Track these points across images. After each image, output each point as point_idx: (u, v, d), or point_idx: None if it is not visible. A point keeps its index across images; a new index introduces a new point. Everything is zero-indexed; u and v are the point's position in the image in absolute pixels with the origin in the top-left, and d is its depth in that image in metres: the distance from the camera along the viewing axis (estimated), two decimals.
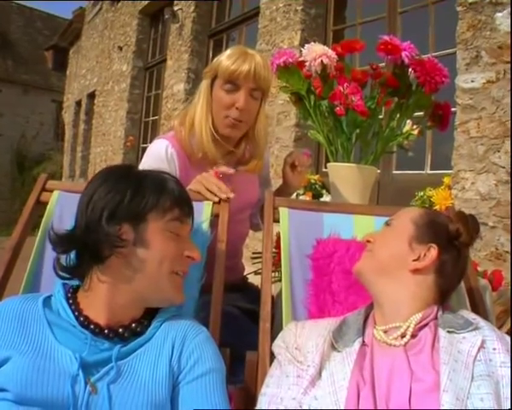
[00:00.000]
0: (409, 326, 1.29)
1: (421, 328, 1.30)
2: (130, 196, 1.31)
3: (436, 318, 1.32)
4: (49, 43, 24.32)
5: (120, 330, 1.30)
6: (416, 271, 1.35)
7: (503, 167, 3.44)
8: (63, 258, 1.37)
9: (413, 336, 1.28)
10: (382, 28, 4.92)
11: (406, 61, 1.93)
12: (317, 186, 5.09)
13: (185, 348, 1.30)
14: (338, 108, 1.87)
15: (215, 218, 1.77)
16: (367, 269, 1.42)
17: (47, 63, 25.06)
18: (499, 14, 3.66)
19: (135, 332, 1.32)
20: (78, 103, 15.21)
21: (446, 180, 3.74)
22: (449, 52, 4.10)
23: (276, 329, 1.58)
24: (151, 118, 10.24)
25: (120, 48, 11.47)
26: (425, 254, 1.36)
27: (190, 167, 2.06)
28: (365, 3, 5.39)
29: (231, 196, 1.83)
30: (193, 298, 1.60)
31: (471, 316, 1.35)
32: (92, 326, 1.28)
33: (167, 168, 1.96)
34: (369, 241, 1.47)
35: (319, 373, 1.26)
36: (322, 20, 5.72)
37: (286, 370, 1.32)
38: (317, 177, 5.24)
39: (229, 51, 2.05)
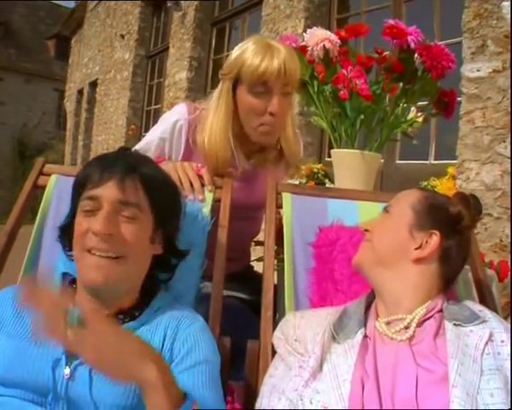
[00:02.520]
0: (413, 320, 1.25)
1: (425, 320, 1.25)
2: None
3: (441, 310, 1.27)
4: (52, 32, 24.24)
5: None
6: (418, 260, 1.30)
7: (509, 158, 3.39)
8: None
9: (417, 326, 1.24)
10: (387, 17, 4.83)
11: (412, 45, 1.89)
12: (319, 175, 5.05)
13: (178, 336, 1.25)
14: (342, 92, 1.83)
15: (217, 203, 1.73)
16: (366, 261, 1.37)
17: (49, 52, 24.99)
18: (506, 3, 3.61)
19: (122, 320, 1.27)
20: (80, 92, 15.15)
21: (451, 170, 3.70)
22: (454, 41, 4.03)
23: (278, 319, 1.53)
24: (153, 106, 10.18)
25: (122, 36, 11.40)
26: (427, 242, 1.31)
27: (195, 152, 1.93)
28: None
29: (200, 198, 1.71)
30: (194, 286, 1.55)
31: (477, 307, 1.30)
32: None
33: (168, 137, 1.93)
34: (367, 230, 1.41)
35: (320, 365, 1.21)
36: (327, 9, 5.66)
37: (288, 362, 1.28)
38: (319, 166, 5.20)
39: (251, 47, 1.81)
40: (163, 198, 1.36)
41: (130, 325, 1.25)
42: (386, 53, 1.99)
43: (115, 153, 1.40)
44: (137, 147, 1.91)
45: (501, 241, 3.36)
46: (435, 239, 1.30)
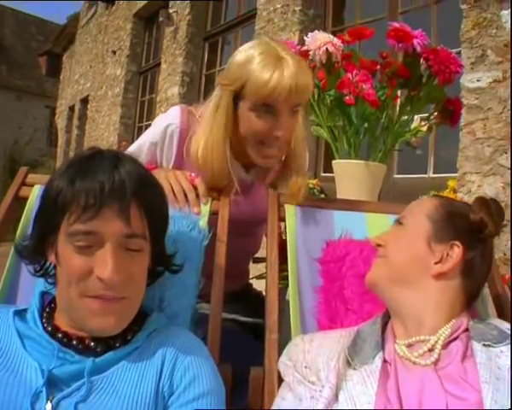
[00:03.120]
0: (437, 341, 1.12)
1: (450, 341, 1.13)
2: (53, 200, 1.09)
3: (467, 329, 1.16)
4: (43, 48, 24.26)
5: (92, 343, 1.10)
6: (439, 275, 1.18)
7: (510, 169, 3.32)
8: None
9: (442, 348, 1.12)
10: (382, 29, 4.80)
11: (418, 49, 1.80)
12: (315, 191, 4.96)
13: (178, 364, 1.11)
14: (347, 98, 1.73)
15: (214, 216, 1.60)
16: (382, 279, 1.24)
17: (41, 69, 25.02)
18: (505, 12, 3.55)
19: (111, 347, 1.11)
20: (72, 109, 15.10)
21: (451, 183, 3.62)
22: (453, 51, 3.98)
23: (282, 342, 1.38)
24: (145, 123, 10.11)
25: (114, 52, 11.37)
26: (448, 255, 1.18)
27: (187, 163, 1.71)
28: (365, 4, 5.29)
29: (195, 211, 1.55)
30: (189, 306, 1.40)
31: (505, 326, 1.18)
32: (60, 335, 1.10)
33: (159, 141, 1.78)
34: (379, 245, 1.29)
35: (336, 395, 1.09)
36: (321, 21, 5.61)
37: (297, 392, 1.15)
38: (315, 181, 5.11)
39: (258, 57, 1.54)
40: (162, 222, 1.21)
41: (121, 351, 1.11)
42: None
43: (107, 168, 1.09)
44: (129, 150, 1.80)
45: (504, 254, 3.27)
46: (457, 251, 1.18)
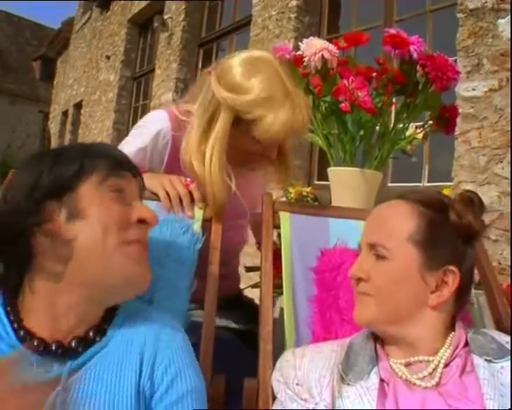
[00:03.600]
0: (438, 364, 1.08)
1: (451, 360, 1.09)
2: (48, 168, 1.04)
3: (466, 342, 1.12)
4: (37, 53, 24.21)
5: (73, 343, 1.02)
6: (437, 305, 1.11)
7: (506, 178, 3.31)
8: None
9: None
10: (378, 37, 4.78)
11: (415, 55, 1.77)
12: (309, 199, 4.94)
13: (158, 361, 1.05)
14: (343, 105, 1.70)
15: (207, 222, 1.57)
16: (373, 320, 1.14)
17: (34, 73, 24.94)
18: (502, 21, 3.55)
19: (92, 342, 1.04)
20: (65, 113, 15.07)
21: (446, 192, 3.60)
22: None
23: (277, 353, 1.33)
24: None
25: (108, 57, 11.36)
26: (443, 281, 1.11)
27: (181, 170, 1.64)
28: (360, 12, 5.28)
29: (189, 214, 1.53)
30: (181, 311, 1.36)
31: (503, 339, 1.13)
32: (36, 343, 1.00)
33: (150, 145, 1.70)
34: (360, 278, 1.16)
35: None
36: (316, 29, 5.61)
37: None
38: (308, 189, 5.09)
39: (266, 90, 1.48)
40: None
41: (99, 346, 1.04)
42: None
43: (114, 152, 1.17)
44: None
45: (499, 264, 3.25)
46: (452, 277, 1.11)
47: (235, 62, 1.57)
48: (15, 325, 1.02)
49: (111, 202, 1.05)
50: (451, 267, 1.11)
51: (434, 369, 1.07)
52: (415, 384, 1.06)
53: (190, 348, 1.13)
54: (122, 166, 1.11)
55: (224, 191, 1.57)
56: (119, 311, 1.11)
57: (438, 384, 1.05)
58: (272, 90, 1.49)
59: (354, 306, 1.20)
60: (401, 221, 1.14)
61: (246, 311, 1.93)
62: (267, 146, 1.58)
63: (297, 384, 1.11)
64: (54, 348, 1.01)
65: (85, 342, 1.04)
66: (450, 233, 1.13)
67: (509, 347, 1.10)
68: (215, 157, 1.55)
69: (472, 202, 1.16)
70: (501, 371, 1.05)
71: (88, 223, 1.02)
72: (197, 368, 1.11)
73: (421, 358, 1.09)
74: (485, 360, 1.07)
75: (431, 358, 1.09)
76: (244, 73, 1.53)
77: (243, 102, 1.49)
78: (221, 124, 1.54)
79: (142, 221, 1.09)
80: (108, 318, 1.09)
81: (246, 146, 1.59)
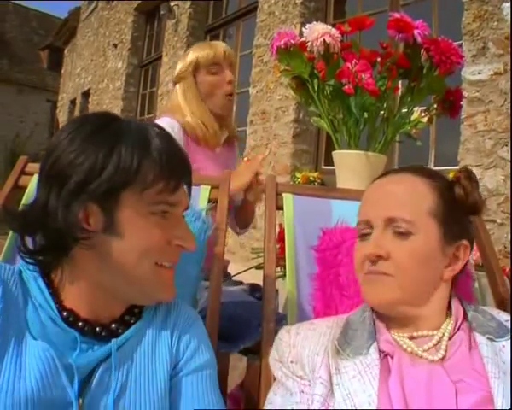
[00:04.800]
0: (442, 337, 1.07)
1: (454, 333, 1.09)
2: (102, 162, 0.96)
3: (464, 316, 1.12)
4: (45, 42, 24.19)
5: (113, 325, 1.06)
6: (448, 279, 1.12)
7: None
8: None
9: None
10: (384, 22, 4.75)
11: (419, 39, 1.78)
12: (316, 183, 4.96)
13: (183, 335, 1.12)
14: (347, 87, 1.72)
15: (213, 204, 1.61)
16: (394, 302, 1.09)
17: (42, 63, 24.92)
18: (506, 5, 3.55)
19: (129, 325, 1.09)
20: (73, 102, 15.09)
21: (452, 175, 3.61)
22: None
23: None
24: (146, 116, 10.12)
25: (115, 45, 11.36)
26: (454, 255, 1.11)
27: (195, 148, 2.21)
28: None
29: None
30: (190, 296, 1.43)
31: (503, 317, 1.13)
32: (81, 324, 1.02)
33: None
34: (380, 256, 1.09)
35: (331, 391, 1.03)
36: (322, 14, 5.61)
37: (287, 386, 1.10)
38: (316, 174, 5.12)
39: (196, 48, 2.31)
40: None
41: (136, 327, 1.08)
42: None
43: (162, 138, 1.06)
44: None
45: (505, 247, 3.27)
46: (464, 251, 1.11)
47: None
48: (57, 304, 1.02)
49: (151, 226, 1.01)
50: (464, 242, 1.12)
51: (439, 341, 1.07)
52: (421, 358, 1.05)
53: (206, 332, 1.20)
54: (177, 174, 1.04)
55: (213, 122, 2.26)
56: None
57: (444, 358, 1.05)
58: (199, 45, 2.34)
59: (362, 286, 1.14)
60: (420, 195, 1.11)
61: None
62: (220, 75, 2.27)
63: (291, 362, 1.11)
64: (98, 330, 1.04)
65: (124, 324, 1.08)
66: (458, 208, 1.13)
67: (508, 325, 1.10)
68: (198, 104, 2.26)
69: (474, 178, 1.16)
70: (503, 349, 1.05)
71: (125, 244, 1.00)
72: (211, 346, 1.18)
73: (424, 332, 1.09)
74: (488, 338, 1.06)
75: (434, 332, 1.09)
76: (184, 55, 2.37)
77: (189, 59, 2.28)
78: (188, 87, 2.28)
79: (180, 246, 1.07)
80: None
81: (211, 83, 2.26)
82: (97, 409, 0.98)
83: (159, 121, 2.03)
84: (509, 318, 1.13)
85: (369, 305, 1.14)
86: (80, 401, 0.96)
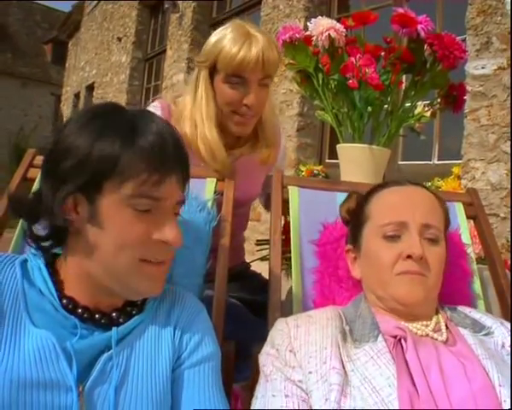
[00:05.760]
0: (438, 323, 1.19)
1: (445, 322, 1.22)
2: (87, 150, 0.98)
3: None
4: (48, 36, 24.20)
5: (114, 314, 1.09)
6: None
7: None
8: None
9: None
10: (388, 16, 4.76)
11: (422, 34, 1.80)
12: (320, 177, 4.98)
13: (187, 327, 1.14)
14: (351, 81, 1.74)
15: (219, 196, 1.63)
16: (425, 299, 1.19)
17: (46, 56, 24.94)
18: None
19: (130, 315, 1.11)
20: (77, 96, 15.10)
21: (456, 170, 3.64)
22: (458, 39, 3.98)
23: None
24: None
25: (120, 39, 11.35)
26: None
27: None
28: None
29: None
30: (197, 285, 1.43)
31: (474, 315, 1.25)
32: (80, 310, 1.04)
33: None
34: (422, 258, 1.19)
35: (346, 379, 1.05)
36: (326, 8, 5.61)
37: (274, 386, 1.09)
38: (320, 167, 5.14)
39: (229, 34, 1.72)
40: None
41: (138, 318, 1.10)
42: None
43: (154, 128, 1.04)
44: None
45: (508, 241, 3.28)
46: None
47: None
48: (58, 292, 1.05)
49: (134, 220, 1.01)
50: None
51: (438, 329, 1.18)
52: (432, 337, 1.15)
53: (211, 324, 1.22)
54: (162, 168, 1.01)
55: (220, 146, 1.75)
56: None
57: (446, 341, 1.15)
58: (234, 32, 1.73)
59: (395, 285, 1.20)
60: (439, 209, 1.28)
61: (251, 282, 2.04)
62: (242, 92, 1.75)
63: (290, 351, 1.12)
64: (97, 317, 1.07)
65: (125, 314, 1.10)
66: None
67: (481, 321, 1.22)
68: (205, 114, 1.76)
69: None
70: (485, 339, 1.16)
71: (105, 235, 1.01)
72: (215, 338, 1.19)
73: (424, 322, 1.19)
74: (469, 330, 1.18)
75: (428, 322, 1.19)
76: (216, 32, 1.79)
77: (211, 46, 1.75)
78: (201, 80, 1.79)
79: (163, 242, 1.04)
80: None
81: (224, 96, 1.76)
82: (98, 397, 1.00)
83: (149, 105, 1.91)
84: (479, 316, 1.25)
85: (405, 302, 1.19)
86: (81, 387, 0.99)
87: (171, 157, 1.04)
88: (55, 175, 1.01)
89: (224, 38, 1.72)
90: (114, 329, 1.06)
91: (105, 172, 0.98)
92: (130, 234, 1.01)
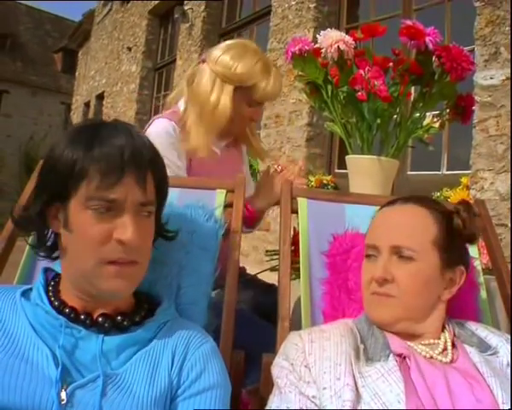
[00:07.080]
0: (446, 343, 1.20)
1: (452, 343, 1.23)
2: (57, 158, 1.09)
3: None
4: (59, 45, 24.37)
5: (100, 319, 1.12)
6: (445, 299, 1.26)
7: None
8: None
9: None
10: (397, 26, 4.76)
11: (430, 46, 1.82)
12: (329, 187, 4.99)
13: (187, 360, 1.13)
14: (359, 93, 1.75)
15: (228, 208, 1.64)
16: (396, 320, 1.21)
17: (56, 65, 25.10)
18: None
19: (119, 326, 1.13)
20: (87, 105, 15.20)
21: (464, 180, 3.64)
22: (466, 49, 3.98)
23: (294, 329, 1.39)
24: None
25: (129, 49, 11.43)
26: (451, 279, 1.25)
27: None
28: (379, 1, 5.29)
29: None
30: (206, 293, 1.43)
31: (480, 333, 1.26)
32: (67, 310, 1.11)
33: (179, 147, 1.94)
34: (386, 280, 1.21)
35: (357, 394, 1.07)
36: (335, 18, 5.63)
37: (288, 398, 1.10)
38: (329, 177, 5.15)
39: (259, 65, 1.96)
40: (166, 189, 1.23)
41: (132, 335, 1.12)
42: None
43: (123, 134, 1.11)
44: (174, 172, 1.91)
45: None
46: (460, 275, 1.27)
47: (224, 48, 2.02)
48: (52, 298, 1.14)
49: (94, 222, 1.06)
50: (461, 267, 1.26)
51: (444, 348, 1.19)
52: (436, 359, 1.16)
53: (217, 351, 1.21)
54: (117, 171, 1.06)
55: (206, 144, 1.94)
56: (158, 315, 1.19)
57: (452, 361, 1.16)
58: (264, 66, 1.97)
59: (366, 304, 1.27)
60: (425, 226, 1.25)
61: (251, 285, 2.08)
62: (257, 109, 2.05)
63: (305, 367, 1.13)
64: (82, 317, 1.11)
65: (111, 322, 1.13)
66: (457, 237, 1.28)
67: (486, 341, 1.23)
68: (217, 122, 1.97)
69: (473, 210, 1.34)
70: (489, 359, 1.17)
71: (73, 238, 1.09)
72: (224, 369, 1.18)
73: (431, 341, 1.20)
74: (475, 349, 1.20)
75: (436, 341, 1.20)
76: (234, 54, 1.97)
77: (243, 74, 1.94)
78: (225, 95, 1.95)
79: (120, 242, 1.07)
80: (140, 311, 1.19)
81: (243, 113, 2.01)
82: (82, 399, 1.02)
83: (150, 130, 2.04)
84: (485, 334, 1.26)
85: (373, 322, 1.24)
86: (65, 386, 1.03)
87: (127, 161, 1.07)
88: (39, 186, 1.14)
89: (256, 67, 1.95)
90: (101, 337, 1.09)
91: (66, 175, 1.06)
92: (90, 235, 1.06)
